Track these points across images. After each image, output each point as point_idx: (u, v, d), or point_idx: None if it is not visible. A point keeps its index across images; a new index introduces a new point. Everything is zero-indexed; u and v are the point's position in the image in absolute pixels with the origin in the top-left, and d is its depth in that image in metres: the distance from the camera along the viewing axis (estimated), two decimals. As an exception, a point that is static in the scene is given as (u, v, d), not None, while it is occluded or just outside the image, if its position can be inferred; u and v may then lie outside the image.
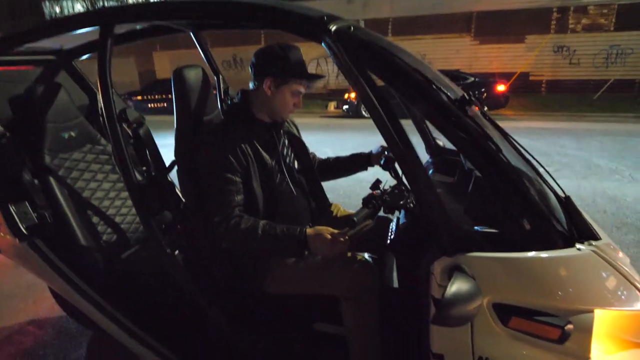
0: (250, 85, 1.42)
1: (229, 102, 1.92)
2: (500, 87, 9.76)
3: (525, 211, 0.98)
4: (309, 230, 1.27)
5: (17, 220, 1.48)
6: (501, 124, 1.11)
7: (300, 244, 1.25)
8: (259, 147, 1.38)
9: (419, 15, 14.14)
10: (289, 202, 1.45)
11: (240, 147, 1.32)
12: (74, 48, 1.89)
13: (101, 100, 1.23)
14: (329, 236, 1.23)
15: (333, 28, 1.04)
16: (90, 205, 1.80)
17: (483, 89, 9.50)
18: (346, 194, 3.73)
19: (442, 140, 1.92)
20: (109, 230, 1.84)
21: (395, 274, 1.73)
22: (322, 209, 1.63)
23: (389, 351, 1.42)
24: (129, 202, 1.95)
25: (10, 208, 1.49)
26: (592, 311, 0.94)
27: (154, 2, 1.26)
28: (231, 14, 1.23)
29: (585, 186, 4.28)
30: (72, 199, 1.70)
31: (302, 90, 1.37)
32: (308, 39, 1.10)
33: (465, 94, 1.01)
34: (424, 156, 1.88)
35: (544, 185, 1.09)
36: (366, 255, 1.45)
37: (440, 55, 13.74)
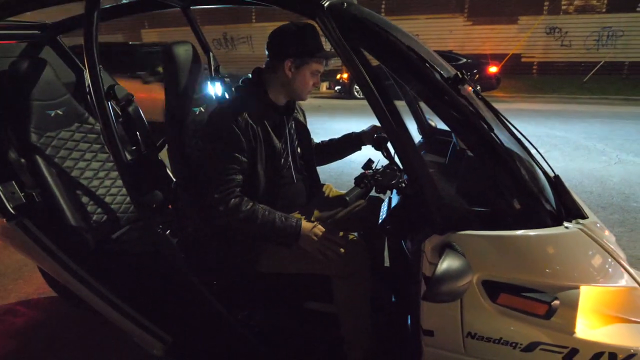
0: (266, 66, 1.38)
1: (221, 80, 1.88)
2: (492, 69, 9.74)
3: (515, 190, 1.00)
4: (304, 226, 1.30)
5: (4, 200, 1.46)
6: (496, 105, 1.11)
7: (293, 237, 1.30)
8: (269, 130, 1.36)
9: (412, -6, 13.90)
10: (289, 186, 1.46)
11: (252, 126, 1.30)
12: (58, 22, 1.81)
13: (88, 77, 1.19)
14: (320, 238, 1.28)
15: (326, 4, 1.02)
16: (79, 185, 1.77)
17: (475, 70, 9.47)
18: (337, 174, 3.75)
19: (434, 122, 1.93)
20: (99, 210, 1.82)
21: (386, 254, 1.76)
22: (315, 191, 1.64)
23: (380, 328, 1.45)
24: (119, 182, 1.93)
25: (-3, 187, 1.46)
26: (578, 287, 0.98)
27: None
28: None
29: (572, 167, 4.36)
30: (61, 178, 1.67)
31: (321, 69, 1.36)
32: (301, 14, 1.08)
33: (458, 73, 1.00)
34: (416, 137, 1.88)
35: (534, 164, 1.11)
36: (356, 234, 1.47)
37: (434, 35, 13.56)
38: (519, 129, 1.14)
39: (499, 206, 1.03)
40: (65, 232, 1.62)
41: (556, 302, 0.95)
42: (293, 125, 1.53)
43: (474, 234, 0.98)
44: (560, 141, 5.36)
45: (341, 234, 1.35)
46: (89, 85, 1.21)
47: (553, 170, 1.12)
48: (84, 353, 1.86)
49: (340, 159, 1.76)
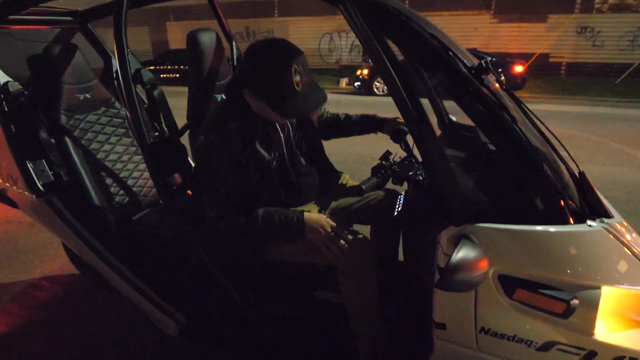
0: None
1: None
2: (518, 68, 9.48)
3: (537, 185, 0.98)
4: (309, 218, 1.25)
5: (35, 177, 1.52)
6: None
7: (297, 232, 1.25)
8: (256, 141, 1.27)
9: (437, -10, 13.65)
10: (293, 183, 1.40)
11: (235, 141, 1.22)
12: (90, 10, 1.87)
13: (117, 60, 1.23)
14: (327, 232, 1.24)
15: None
16: (103, 167, 1.83)
17: (500, 69, 9.24)
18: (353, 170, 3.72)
19: (455, 117, 1.90)
20: (121, 192, 1.88)
21: (400, 247, 1.75)
22: (330, 181, 1.63)
23: (390, 322, 1.45)
24: (141, 166, 1.98)
25: (28, 165, 1.52)
26: (599, 288, 0.94)
27: None
28: None
29: (598, 170, 4.21)
30: (87, 159, 1.73)
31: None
32: (325, 1, 1.07)
33: (482, 62, 0.98)
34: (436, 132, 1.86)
35: (557, 159, 1.08)
36: (362, 234, 1.44)
37: (458, 32, 13.28)
38: (544, 124, 1.11)
39: (519, 200, 1.01)
40: (89, 211, 1.68)
41: (575, 301, 0.93)
42: (292, 126, 1.42)
43: (491, 226, 0.96)
44: (586, 143, 5.18)
45: (348, 234, 1.29)
46: (117, 70, 1.24)
47: (578, 167, 1.09)
48: (101, 329, 1.94)
49: (351, 135, 1.70)
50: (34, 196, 1.55)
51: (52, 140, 1.62)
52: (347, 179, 1.70)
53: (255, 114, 1.26)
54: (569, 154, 1.09)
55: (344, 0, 1.00)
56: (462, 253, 0.85)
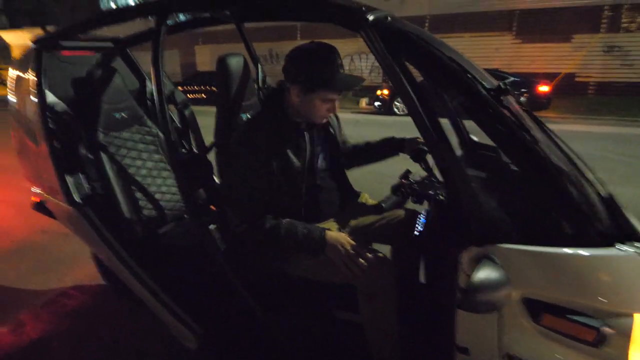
0: (283, 83, 1.36)
1: (267, 91, 1.98)
2: (543, 88, 9.34)
3: (562, 206, 0.96)
4: (330, 236, 1.28)
5: (73, 190, 1.62)
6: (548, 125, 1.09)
7: (318, 249, 1.28)
8: (286, 146, 1.34)
9: (457, 13, 13.74)
10: (314, 199, 1.44)
11: (269, 146, 1.30)
12: (130, 37, 2.02)
13: (153, 82, 1.32)
14: (347, 251, 1.25)
15: (371, 17, 1.06)
16: (134, 181, 1.92)
17: (524, 89, 9.12)
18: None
19: (475, 136, 1.90)
20: (149, 206, 1.97)
21: (420, 268, 1.73)
22: (349, 199, 1.65)
23: (410, 345, 1.42)
24: (169, 181, 2.07)
25: (68, 178, 1.63)
26: (631, 315, 0.90)
27: None
28: (274, 5, 1.28)
29: (629, 193, 4.04)
30: (119, 174, 1.83)
31: (335, 97, 1.31)
32: (346, 28, 1.12)
33: (500, 84, 1.00)
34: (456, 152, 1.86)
35: (583, 180, 1.06)
36: (383, 253, 1.45)
37: (479, 54, 13.27)
38: (568, 145, 1.11)
39: (543, 221, 1.00)
40: (120, 223, 1.77)
41: (606, 328, 0.88)
42: (317, 137, 1.48)
43: (515, 247, 0.95)
44: (615, 164, 4.99)
45: (369, 253, 1.30)
46: (151, 92, 1.33)
47: (606, 188, 1.07)
48: (124, 338, 1.99)
49: (376, 161, 1.72)
50: (71, 208, 1.65)
51: (90, 156, 1.73)
52: (367, 198, 1.72)
53: (289, 121, 1.36)
54: (594, 175, 1.08)
55: (365, 27, 1.05)
56: (483, 273, 0.85)
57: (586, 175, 1.08)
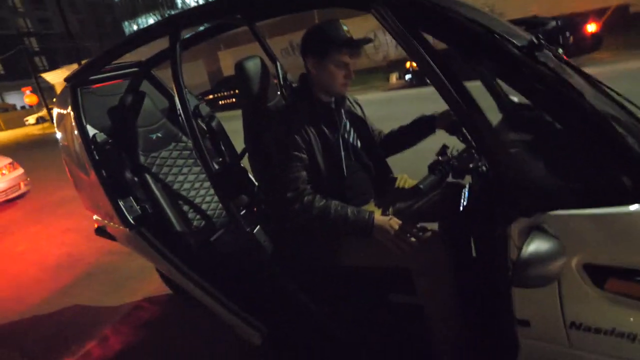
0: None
1: (291, 86, 1.98)
2: (591, 27, 8.43)
3: (620, 159, 0.87)
4: (377, 218, 1.30)
5: (125, 213, 1.74)
6: (595, 68, 1.00)
7: (367, 229, 1.30)
8: (322, 126, 1.41)
9: (483, -37, 12.77)
10: (352, 177, 1.47)
11: (304, 127, 1.37)
12: (150, 58, 2.11)
13: (177, 100, 1.36)
14: (395, 230, 1.26)
15: None
16: (179, 196, 2.02)
17: (568, 33, 8.29)
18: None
19: (515, 97, 1.76)
20: (198, 216, 2.06)
21: (471, 242, 1.66)
22: (387, 182, 1.63)
23: (470, 320, 1.38)
24: (212, 191, 2.16)
25: (119, 203, 1.75)
26: None
27: (208, 2, 1.34)
28: (280, 1, 1.27)
29: None
30: (165, 191, 1.93)
31: (347, 60, 1.34)
32: (356, 9, 1.09)
33: (533, 38, 0.91)
34: (497, 117, 1.74)
35: (640, 128, 0.95)
36: (436, 226, 1.41)
37: (513, 3, 12.28)
38: (626, 95, 0.99)
39: (600, 180, 0.91)
40: (173, 237, 1.87)
41: None
42: (348, 121, 1.54)
43: (568, 213, 0.88)
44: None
45: (419, 225, 1.32)
46: (179, 108, 1.38)
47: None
48: (195, 342, 2.12)
49: (413, 144, 1.69)
50: (127, 229, 1.77)
51: (135, 179, 1.84)
52: (406, 179, 1.67)
53: (319, 100, 1.43)
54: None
55: (375, 5, 1.00)
56: (534, 246, 0.79)
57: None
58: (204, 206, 2.13)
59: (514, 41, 0.94)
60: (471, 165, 1.29)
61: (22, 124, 28.62)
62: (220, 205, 2.17)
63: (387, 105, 7.90)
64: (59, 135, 2.02)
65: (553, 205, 0.89)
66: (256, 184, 1.98)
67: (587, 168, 0.97)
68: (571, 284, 0.90)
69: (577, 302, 0.92)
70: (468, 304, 1.41)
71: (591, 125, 0.88)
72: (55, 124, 2.04)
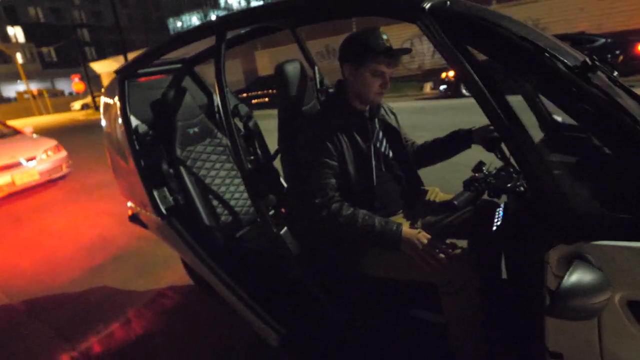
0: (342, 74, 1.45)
1: (326, 91, 1.99)
2: (643, 47, 7.97)
3: None
4: (405, 231, 1.28)
5: (159, 202, 1.81)
6: None
7: (394, 241, 1.28)
8: (354, 134, 1.41)
9: (529, -24, 12.40)
10: (381, 186, 1.45)
11: (336, 134, 1.37)
12: (194, 56, 2.18)
13: (218, 98, 1.40)
14: (423, 245, 1.24)
15: (427, 6, 1.00)
16: (210, 191, 2.08)
17: (618, 51, 7.89)
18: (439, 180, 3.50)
19: (560, 116, 1.69)
20: (225, 212, 2.11)
21: (502, 264, 1.60)
22: (417, 194, 1.60)
23: (497, 346, 1.33)
24: (241, 188, 2.20)
25: (154, 192, 1.82)
26: None
27: (258, 7, 1.37)
28: (325, 8, 1.27)
29: None
30: (197, 185, 1.99)
31: (384, 69, 1.33)
32: (402, 20, 1.08)
33: (587, 59, 0.87)
34: (537, 136, 1.67)
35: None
36: (466, 244, 1.37)
37: (558, 17, 11.83)
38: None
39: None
40: (201, 230, 1.92)
41: None
42: (381, 130, 1.53)
43: (615, 244, 0.83)
44: None
45: (448, 242, 1.29)
46: (218, 105, 1.42)
47: None
48: (214, 333, 2.17)
49: (447, 158, 1.66)
50: (159, 218, 1.83)
51: (171, 171, 1.91)
52: (437, 192, 1.64)
53: (353, 108, 1.44)
54: None
55: (422, 17, 0.99)
56: (577, 276, 0.75)
57: None
58: (232, 202, 2.17)
59: (565, 61, 0.90)
60: (509, 185, 1.24)
61: (68, 109, 30.34)
62: (247, 202, 2.21)
63: (418, 114, 7.78)
64: (103, 122, 2.12)
65: (597, 234, 0.85)
66: (285, 185, 2.00)
67: (637, 198, 0.91)
68: (613, 320, 0.85)
69: (618, 341, 0.87)
70: (495, 329, 1.36)
71: None
72: (101, 112, 2.14)
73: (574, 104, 0.88)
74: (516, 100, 1.12)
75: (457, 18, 0.99)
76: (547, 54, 0.89)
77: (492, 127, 1.46)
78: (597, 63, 0.87)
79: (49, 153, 5.99)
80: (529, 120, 1.05)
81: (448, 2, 1.04)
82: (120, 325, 2.38)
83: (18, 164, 5.55)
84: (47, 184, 6.11)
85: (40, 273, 3.25)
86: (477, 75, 0.93)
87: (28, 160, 5.66)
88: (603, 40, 8.07)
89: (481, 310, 1.26)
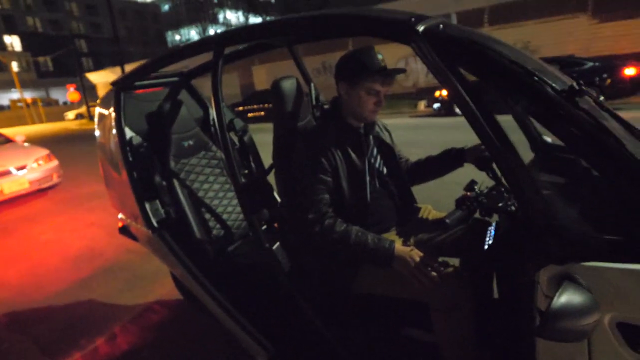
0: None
1: (322, 108, 2.02)
2: (629, 71, 8.22)
3: None
4: (398, 248, 1.28)
5: (150, 215, 1.79)
6: (632, 114, 0.96)
7: (387, 259, 1.28)
8: (349, 150, 1.42)
9: (518, 0, 12.81)
10: (376, 202, 1.46)
11: (331, 150, 1.38)
12: (191, 70, 2.20)
13: (214, 112, 1.41)
14: (416, 262, 1.24)
15: (421, 28, 1.03)
16: (203, 204, 2.06)
17: (605, 75, 8.13)
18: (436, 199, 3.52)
19: (550, 137, 1.72)
20: (218, 226, 2.09)
21: (494, 283, 1.60)
22: (410, 211, 1.61)
23: None
24: (234, 202, 2.19)
25: (146, 205, 1.80)
26: None
27: (256, 24, 1.40)
28: (322, 27, 1.31)
29: None
30: (190, 198, 1.98)
31: (378, 87, 1.35)
32: (396, 41, 1.10)
33: (574, 84, 0.90)
34: (527, 156, 1.70)
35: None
36: (457, 262, 1.38)
37: (548, 40, 12.19)
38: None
39: (638, 234, 0.87)
40: (192, 244, 1.90)
41: None
42: (375, 147, 1.55)
43: (605, 266, 0.84)
44: None
45: (440, 260, 1.29)
46: (213, 119, 1.42)
47: None
48: (203, 348, 2.11)
49: (440, 176, 1.68)
50: (150, 231, 1.81)
51: (164, 183, 1.90)
52: (430, 210, 1.65)
53: (348, 125, 1.44)
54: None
55: (415, 39, 1.02)
56: (566, 297, 0.76)
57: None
58: (224, 216, 2.15)
59: (553, 85, 0.92)
60: (500, 204, 1.26)
61: (62, 118, 30.20)
62: (240, 216, 2.19)
63: (412, 131, 7.87)
64: (97, 133, 2.11)
65: (587, 255, 0.85)
66: (279, 200, 1.99)
67: (626, 219, 0.92)
68: (602, 342, 0.85)
69: (607, 363, 0.87)
70: (487, 348, 1.35)
71: (632, 176, 0.85)
72: (95, 122, 2.14)
73: (561, 126, 0.90)
74: (506, 120, 1.15)
75: (450, 41, 1.02)
76: (536, 77, 0.92)
77: (483, 147, 1.48)
78: (583, 87, 0.89)
79: (40, 162, 5.93)
80: (519, 139, 1.08)
81: (441, 26, 1.07)
82: (106, 340, 2.32)
83: (8, 173, 5.48)
84: (37, 193, 6.02)
85: (25, 285, 3.17)
86: (469, 97, 0.95)
87: (18, 169, 5.59)
88: (591, 63, 8.32)
89: (473, 330, 1.25)
